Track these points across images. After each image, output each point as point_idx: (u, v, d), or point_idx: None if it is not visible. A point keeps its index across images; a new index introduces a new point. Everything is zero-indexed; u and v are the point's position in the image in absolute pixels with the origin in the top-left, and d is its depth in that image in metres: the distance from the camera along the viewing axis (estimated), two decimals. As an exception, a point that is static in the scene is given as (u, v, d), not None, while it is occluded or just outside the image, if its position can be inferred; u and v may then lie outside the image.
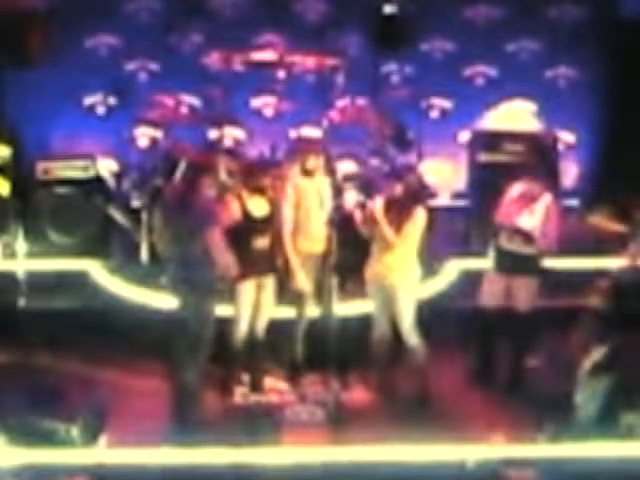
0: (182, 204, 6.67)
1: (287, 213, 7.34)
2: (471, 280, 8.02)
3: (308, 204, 7.41)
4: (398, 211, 7.09)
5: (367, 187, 8.76)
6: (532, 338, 7.49)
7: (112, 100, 10.85)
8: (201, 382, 6.82)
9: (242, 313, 7.22)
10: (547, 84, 11.22)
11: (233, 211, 7.07)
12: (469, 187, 9.61)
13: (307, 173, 7.46)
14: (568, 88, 11.27)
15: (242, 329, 7.25)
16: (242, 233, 7.07)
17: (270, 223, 7.25)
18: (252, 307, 7.25)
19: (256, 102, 10.76)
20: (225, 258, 6.67)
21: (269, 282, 7.28)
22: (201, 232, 6.57)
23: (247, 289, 7.18)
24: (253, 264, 7.10)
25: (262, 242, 7.19)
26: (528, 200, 7.31)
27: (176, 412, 6.76)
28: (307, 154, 7.49)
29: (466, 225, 9.41)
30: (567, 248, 7.73)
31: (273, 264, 7.31)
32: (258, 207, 7.21)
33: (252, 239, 7.15)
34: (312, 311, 7.56)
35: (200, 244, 6.58)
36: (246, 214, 7.13)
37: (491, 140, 9.42)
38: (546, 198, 7.33)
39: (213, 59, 9.55)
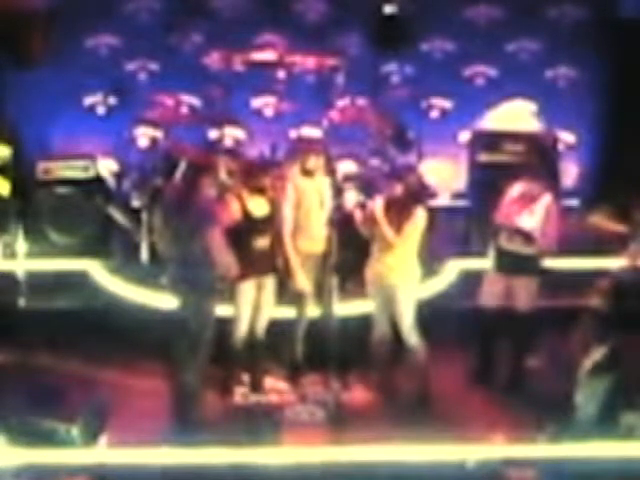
0: (182, 204, 6.67)
1: (287, 213, 7.34)
2: (471, 280, 8.02)
3: (308, 204, 7.41)
4: (398, 211, 7.09)
5: (367, 187, 8.76)
6: (532, 338, 7.49)
7: (112, 100, 10.83)
8: (201, 382, 6.83)
9: (242, 313, 7.22)
10: (547, 84, 11.22)
11: (233, 211, 7.07)
12: (469, 187, 9.61)
13: (307, 173, 7.46)
14: (568, 88, 11.26)
15: (242, 329, 7.25)
16: (242, 233, 7.07)
17: (270, 223, 7.25)
18: (252, 307, 7.25)
19: (256, 102, 10.75)
20: (225, 258, 6.67)
21: (269, 282, 7.28)
22: (201, 232, 6.57)
23: (247, 289, 7.18)
24: (253, 264, 7.10)
25: (262, 242, 7.19)
26: (528, 200, 7.31)
27: (176, 412, 6.77)
28: (307, 154, 7.49)
29: (466, 225, 9.41)
30: (567, 248, 7.73)
31: (273, 264, 7.31)
32: (258, 207, 7.20)
33: (252, 239, 7.15)
34: (312, 311, 7.56)
35: (200, 244, 6.58)
36: (246, 214, 7.12)
37: (491, 140, 9.43)
38: (546, 198, 7.33)
39: (213, 59, 9.56)
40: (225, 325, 7.16)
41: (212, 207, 6.74)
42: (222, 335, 7.06)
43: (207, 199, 6.72)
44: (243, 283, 7.14)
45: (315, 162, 7.46)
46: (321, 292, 7.46)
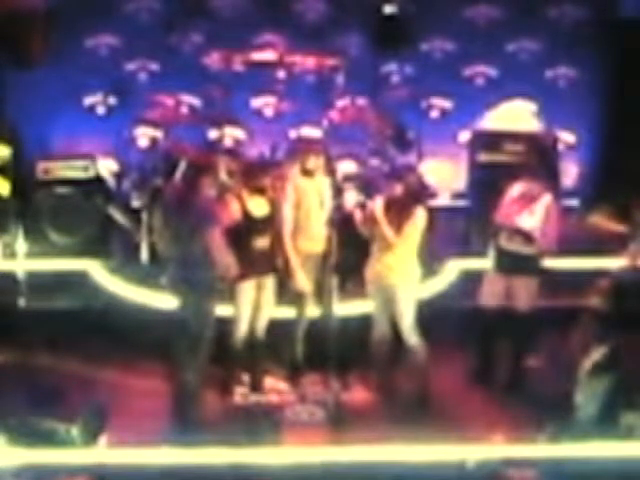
0: (182, 204, 6.67)
1: (287, 213, 7.34)
2: (471, 280, 8.02)
3: (308, 204, 7.41)
4: (398, 211, 7.09)
5: (367, 187, 8.76)
6: (532, 338, 7.49)
7: (112, 100, 10.84)
8: (201, 382, 6.83)
9: (242, 313, 7.22)
10: (547, 84, 11.22)
11: (233, 211, 7.07)
12: (469, 187, 9.61)
13: (307, 173, 7.46)
14: (568, 88, 11.26)
15: (242, 329, 7.25)
16: (242, 233, 7.07)
17: (270, 223, 7.25)
18: (252, 307, 7.25)
19: (256, 102, 10.75)
20: (225, 258, 6.67)
21: (269, 282, 7.28)
22: (201, 232, 6.57)
23: (247, 289, 7.18)
24: (253, 264, 7.10)
25: (262, 242, 7.20)
26: (528, 200, 7.31)
27: (176, 412, 6.77)
28: (307, 154, 7.49)
29: (466, 225, 9.41)
30: (567, 248, 7.73)
31: (273, 264, 7.31)
32: (258, 207, 7.21)
33: (252, 239, 7.15)
34: (312, 311, 7.56)
35: (200, 244, 6.58)
36: (246, 214, 7.13)
37: (491, 140, 9.43)
38: (546, 198, 7.33)
39: (213, 59, 9.57)
40: (225, 325, 7.16)
41: (212, 207, 6.74)
42: (222, 335, 7.06)
43: (207, 199, 6.72)
44: (243, 283, 7.14)
45: (315, 162, 7.46)
46: (321, 292, 7.46)
